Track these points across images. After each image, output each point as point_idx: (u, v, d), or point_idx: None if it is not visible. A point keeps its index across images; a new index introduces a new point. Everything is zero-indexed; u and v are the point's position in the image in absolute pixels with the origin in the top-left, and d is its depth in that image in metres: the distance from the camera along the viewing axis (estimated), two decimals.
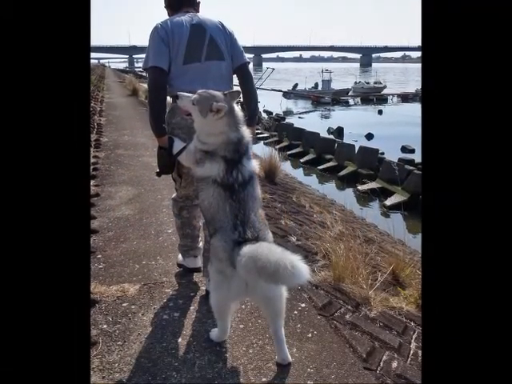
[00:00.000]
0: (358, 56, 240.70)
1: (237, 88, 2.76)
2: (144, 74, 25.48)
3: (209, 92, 2.40)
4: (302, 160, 18.13)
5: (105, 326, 2.72)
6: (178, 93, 2.56)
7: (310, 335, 2.65)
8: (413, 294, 3.42)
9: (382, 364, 2.48)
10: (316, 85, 49.93)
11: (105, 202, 5.26)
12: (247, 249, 2.02)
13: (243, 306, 2.91)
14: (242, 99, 2.88)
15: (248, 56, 3.13)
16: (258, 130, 20.40)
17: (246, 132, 2.42)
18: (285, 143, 19.79)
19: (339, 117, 33.15)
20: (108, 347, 2.52)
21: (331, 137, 21.19)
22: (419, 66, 1.49)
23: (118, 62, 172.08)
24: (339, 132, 24.40)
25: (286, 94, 46.55)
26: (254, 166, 2.41)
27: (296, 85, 50.72)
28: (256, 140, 15.93)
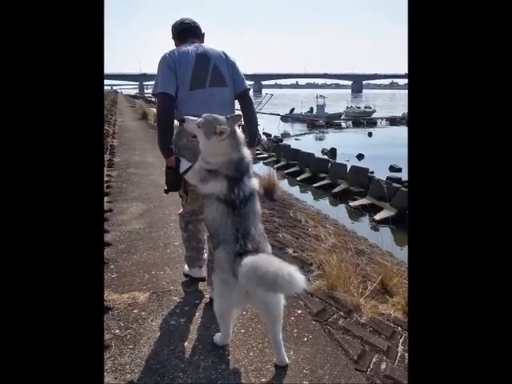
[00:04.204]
0: (349, 83, 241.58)
1: (238, 112, 2.78)
2: (153, 99, 25.57)
3: (213, 116, 2.42)
4: (298, 178, 18.14)
5: (117, 331, 2.72)
6: (185, 116, 2.58)
7: (305, 339, 2.65)
8: (400, 302, 3.41)
9: (371, 366, 2.48)
10: (311, 109, 50.13)
11: (117, 217, 5.27)
12: (248, 260, 2.03)
13: (244, 313, 2.91)
14: (243, 122, 2.90)
15: (249, 83, 3.16)
16: (257, 150, 20.47)
17: (247, 152, 2.44)
18: (282, 163, 19.85)
19: (332, 139, 33.22)
20: (120, 350, 2.52)
21: (325, 157, 21.20)
22: (406, 92, 1.50)
23: (129, 89, 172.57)
24: (332, 153, 24.46)
25: (284, 118, 46.69)
26: (255, 183, 2.42)
27: (293, 109, 50.94)
28: (256, 160, 16.02)
